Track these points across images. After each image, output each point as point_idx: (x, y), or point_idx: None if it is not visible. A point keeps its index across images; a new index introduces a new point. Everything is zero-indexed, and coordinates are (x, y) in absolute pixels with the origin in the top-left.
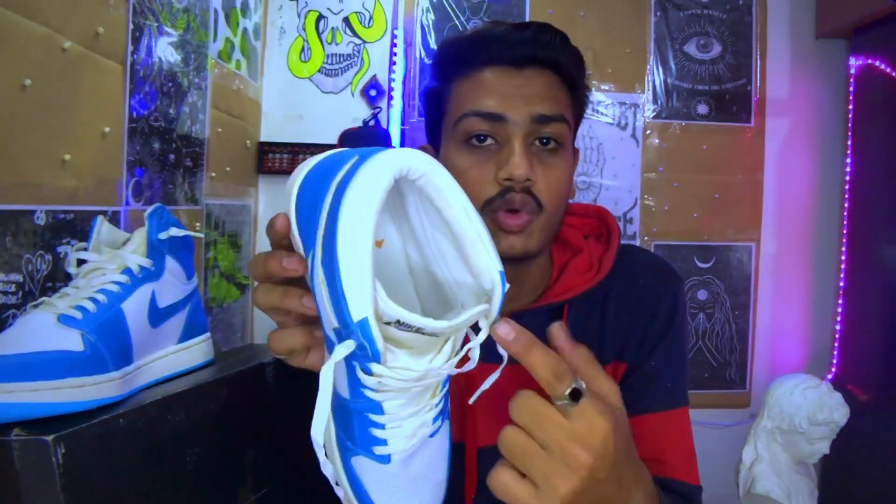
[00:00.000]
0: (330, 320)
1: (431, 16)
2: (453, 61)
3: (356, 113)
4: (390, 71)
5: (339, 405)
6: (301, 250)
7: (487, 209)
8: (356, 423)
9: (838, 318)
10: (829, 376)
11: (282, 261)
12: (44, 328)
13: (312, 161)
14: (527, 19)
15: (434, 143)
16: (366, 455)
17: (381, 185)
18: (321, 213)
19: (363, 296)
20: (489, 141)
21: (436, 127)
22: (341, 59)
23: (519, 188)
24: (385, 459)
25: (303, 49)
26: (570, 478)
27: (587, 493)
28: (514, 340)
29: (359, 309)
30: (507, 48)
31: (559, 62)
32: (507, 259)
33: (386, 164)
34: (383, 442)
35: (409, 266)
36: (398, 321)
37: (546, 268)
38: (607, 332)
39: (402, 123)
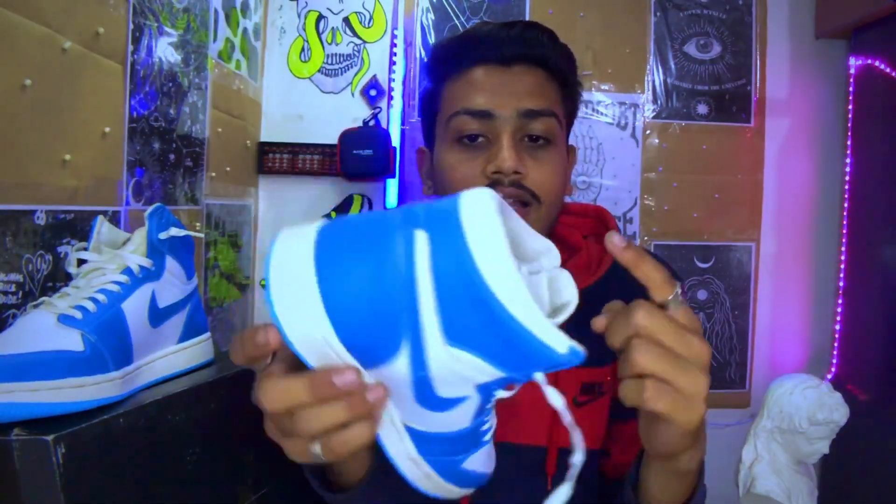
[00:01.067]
0: (480, 377)
1: (431, 16)
2: (444, 63)
3: (356, 113)
4: (390, 71)
5: (446, 439)
6: (350, 355)
7: None
8: (472, 436)
9: (838, 318)
10: (829, 376)
11: (367, 394)
12: (44, 328)
13: (305, 254)
14: (527, 19)
15: (429, 144)
16: (477, 448)
17: (499, 227)
18: (415, 292)
19: (553, 331)
20: (480, 139)
21: (430, 128)
22: (341, 59)
23: (507, 182)
24: (488, 440)
25: (303, 49)
26: (703, 376)
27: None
28: (627, 248)
29: (560, 342)
30: (495, 47)
31: (547, 59)
32: None
33: (486, 205)
34: (488, 430)
35: None
36: None
37: None
38: None
39: (402, 123)
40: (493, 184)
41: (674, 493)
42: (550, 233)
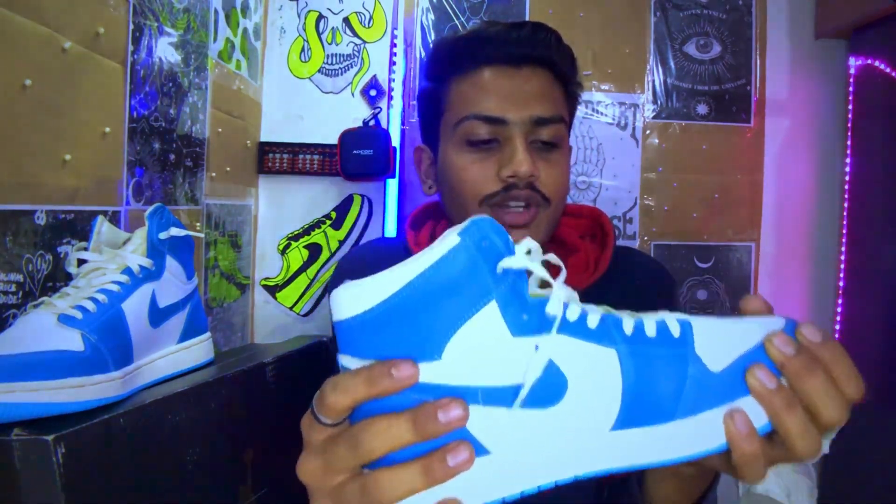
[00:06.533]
0: None
1: (431, 16)
2: (450, 61)
3: (356, 113)
4: (390, 71)
5: None
6: None
7: (486, 203)
8: None
9: (838, 318)
10: None
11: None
12: (44, 328)
13: None
14: (527, 19)
15: (429, 143)
16: None
17: None
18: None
19: None
20: (491, 142)
21: (432, 127)
22: (341, 59)
23: (523, 185)
24: None
25: (303, 49)
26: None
27: None
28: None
29: None
30: (505, 47)
31: (554, 60)
32: None
33: None
34: None
35: None
36: None
37: None
38: None
39: (402, 123)
40: (509, 187)
41: (689, 494)
42: (555, 231)
